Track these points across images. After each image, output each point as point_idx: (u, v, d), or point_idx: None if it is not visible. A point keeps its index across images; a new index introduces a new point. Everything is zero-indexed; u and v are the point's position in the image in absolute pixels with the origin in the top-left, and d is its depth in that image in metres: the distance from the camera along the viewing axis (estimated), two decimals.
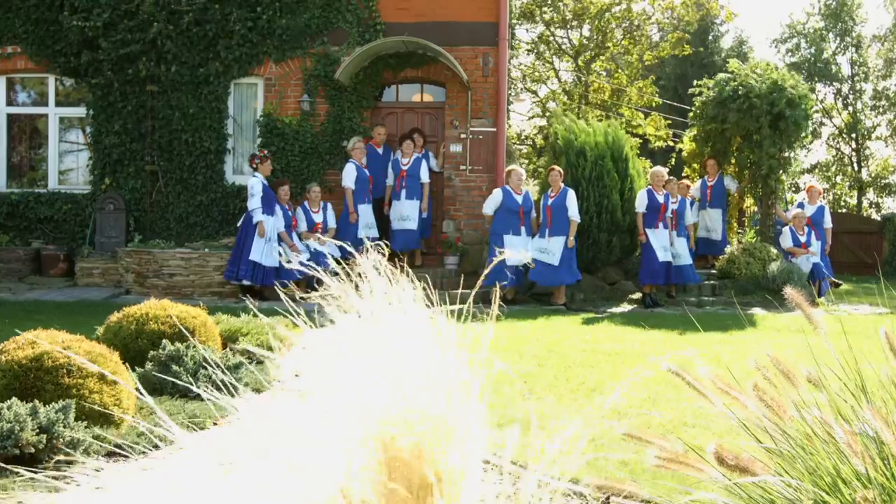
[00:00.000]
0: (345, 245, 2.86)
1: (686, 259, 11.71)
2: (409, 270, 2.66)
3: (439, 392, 2.32)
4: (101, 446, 3.77)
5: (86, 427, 3.74)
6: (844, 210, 27.24)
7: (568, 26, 22.68)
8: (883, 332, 2.03)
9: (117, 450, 3.89)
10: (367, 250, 2.62)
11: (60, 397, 3.84)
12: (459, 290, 11.21)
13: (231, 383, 4.74)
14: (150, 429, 3.85)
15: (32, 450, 3.34)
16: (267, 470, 2.44)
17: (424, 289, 2.61)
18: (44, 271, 12.60)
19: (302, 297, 2.84)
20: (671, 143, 19.28)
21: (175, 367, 4.93)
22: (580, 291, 11.66)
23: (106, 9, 12.68)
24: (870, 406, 1.79)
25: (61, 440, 3.41)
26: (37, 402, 3.55)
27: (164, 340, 5.22)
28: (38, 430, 3.40)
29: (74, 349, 4.08)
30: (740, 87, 12.74)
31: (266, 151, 11.95)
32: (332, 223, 11.81)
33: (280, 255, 11.01)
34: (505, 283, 10.98)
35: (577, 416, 4.71)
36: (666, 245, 11.40)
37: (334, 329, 2.93)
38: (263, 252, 11.13)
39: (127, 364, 5.12)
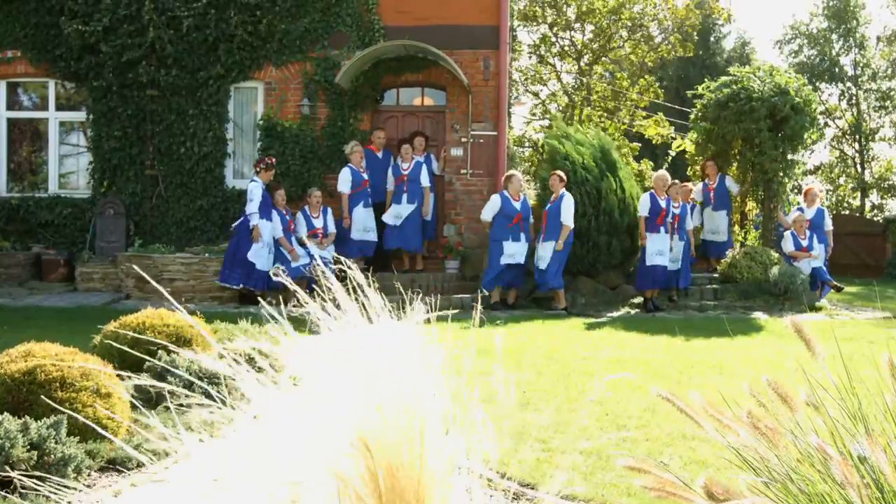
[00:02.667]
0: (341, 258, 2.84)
1: (678, 263, 11.66)
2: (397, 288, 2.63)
3: (418, 413, 2.28)
4: (93, 462, 3.75)
5: (79, 442, 3.72)
6: (847, 212, 27.15)
7: (571, 28, 22.63)
8: (886, 357, 1.99)
9: (110, 465, 3.88)
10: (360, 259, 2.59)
11: (53, 411, 3.81)
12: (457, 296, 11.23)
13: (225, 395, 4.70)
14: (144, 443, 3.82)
15: (24, 466, 3.31)
16: (255, 486, 2.42)
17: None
18: (44, 276, 12.57)
19: (298, 304, 2.81)
20: (670, 149, 19.20)
21: (171, 379, 4.89)
22: (581, 295, 11.62)
23: (106, 13, 12.65)
24: (868, 437, 1.76)
25: (52, 456, 3.38)
26: (28, 417, 3.52)
27: (160, 351, 5.18)
28: (29, 447, 3.37)
29: (68, 362, 4.06)
30: (741, 91, 12.71)
31: (273, 159, 11.87)
32: (331, 228, 11.77)
33: (274, 268, 10.97)
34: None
35: (575, 428, 4.67)
36: (662, 249, 11.34)
37: (324, 339, 2.90)
38: (261, 257, 11.12)
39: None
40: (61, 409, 3.85)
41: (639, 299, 11.74)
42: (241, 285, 11.13)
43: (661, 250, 11.31)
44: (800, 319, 2.26)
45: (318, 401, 2.57)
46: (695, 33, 22.44)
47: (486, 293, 10.99)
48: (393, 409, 2.07)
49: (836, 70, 27.62)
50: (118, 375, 4.68)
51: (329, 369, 2.65)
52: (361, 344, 2.65)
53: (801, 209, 12.93)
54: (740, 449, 1.96)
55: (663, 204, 11.43)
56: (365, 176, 12.00)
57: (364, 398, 2.41)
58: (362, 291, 2.41)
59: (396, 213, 12.02)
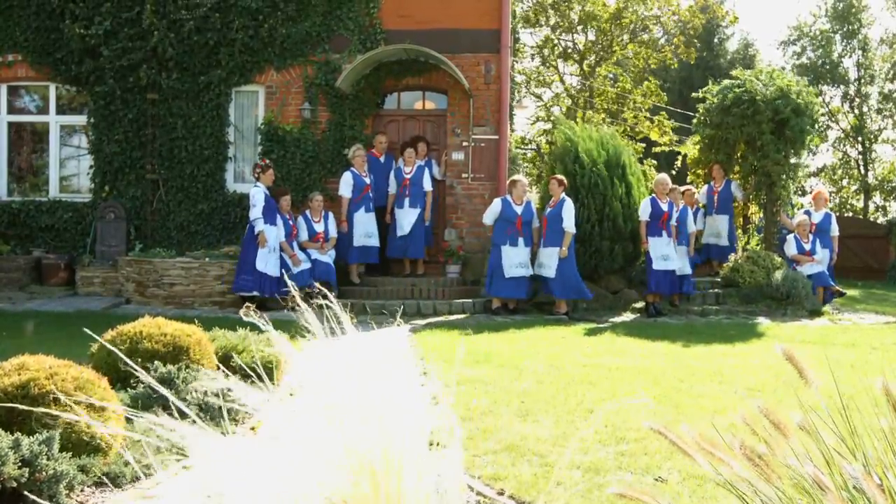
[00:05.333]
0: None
1: (686, 269, 11.61)
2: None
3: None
4: (86, 477, 3.72)
5: (72, 457, 3.69)
6: (850, 214, 27.07)
7: (573, 31, 22.61)
8: (880, 383, 1.96)
9: (105, 477, 3.85)
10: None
11: (47, 426, 3.78)
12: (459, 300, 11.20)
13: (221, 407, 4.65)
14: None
15: (14, 484, 3.28)
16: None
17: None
18: (44, 280, 12.56)
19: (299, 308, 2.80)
20: (675, 149, 19.15)
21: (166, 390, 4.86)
22: (582, 300, 11.58)
23: (107, 17, 12.64)
24: (864, 470, 1.72)
25: (44, 473, 3.36)
26: (20, 434, 3.49)
27: (156, 361, 5.16)
28: (20, 463, 3.34)
29: (62, 375, 4.03)
30: (745, 94, 12.66)
31: (267, 160, 11.89)
32: (333, 232, 11.74)
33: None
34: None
35: (574, 441, 4.64)
36: (667, 253, 11.29)
37: (322, 350, 2.86)
38: (267, 262, 11.08)
39: (119, 384, 5.08)
40: (54, 423, 3.83)
41: (640, 304, 11.69)
42: (255, 292, 11.01)
43: (665, 254, 11.25)
44: (799, 324, 2.23)
45: (309, 418, 2.54)
46: (696, 39, 22.43)
47: (496, 302, 11.07)
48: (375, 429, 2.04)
49: (839, 72, 27.54)
50: (115, 384, 4.67)
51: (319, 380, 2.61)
52: (352, 357, 2.62)
53: (808, 212, 12.86)
54: (733, 481, 1.93)
55: (665, 207, 11.38)
56: (367, 181, 11.97)
57: (350, 415, 2.38)
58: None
59: (400, 223, 11.98)
